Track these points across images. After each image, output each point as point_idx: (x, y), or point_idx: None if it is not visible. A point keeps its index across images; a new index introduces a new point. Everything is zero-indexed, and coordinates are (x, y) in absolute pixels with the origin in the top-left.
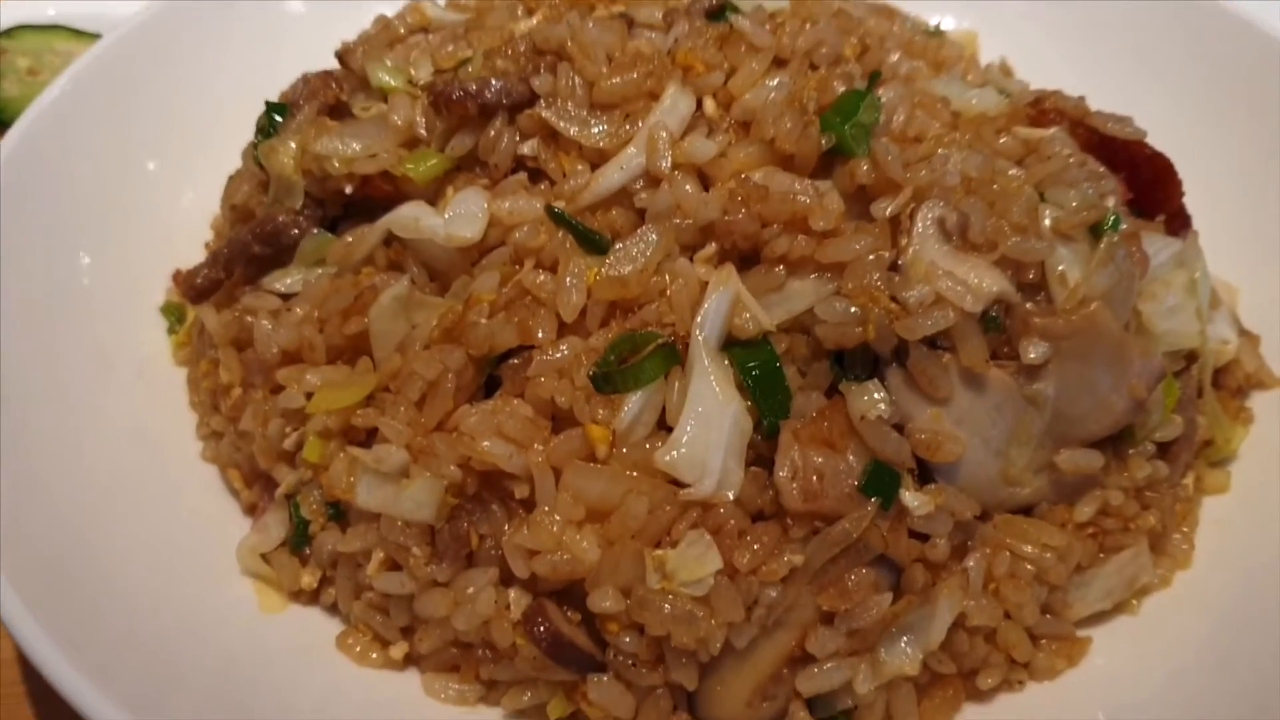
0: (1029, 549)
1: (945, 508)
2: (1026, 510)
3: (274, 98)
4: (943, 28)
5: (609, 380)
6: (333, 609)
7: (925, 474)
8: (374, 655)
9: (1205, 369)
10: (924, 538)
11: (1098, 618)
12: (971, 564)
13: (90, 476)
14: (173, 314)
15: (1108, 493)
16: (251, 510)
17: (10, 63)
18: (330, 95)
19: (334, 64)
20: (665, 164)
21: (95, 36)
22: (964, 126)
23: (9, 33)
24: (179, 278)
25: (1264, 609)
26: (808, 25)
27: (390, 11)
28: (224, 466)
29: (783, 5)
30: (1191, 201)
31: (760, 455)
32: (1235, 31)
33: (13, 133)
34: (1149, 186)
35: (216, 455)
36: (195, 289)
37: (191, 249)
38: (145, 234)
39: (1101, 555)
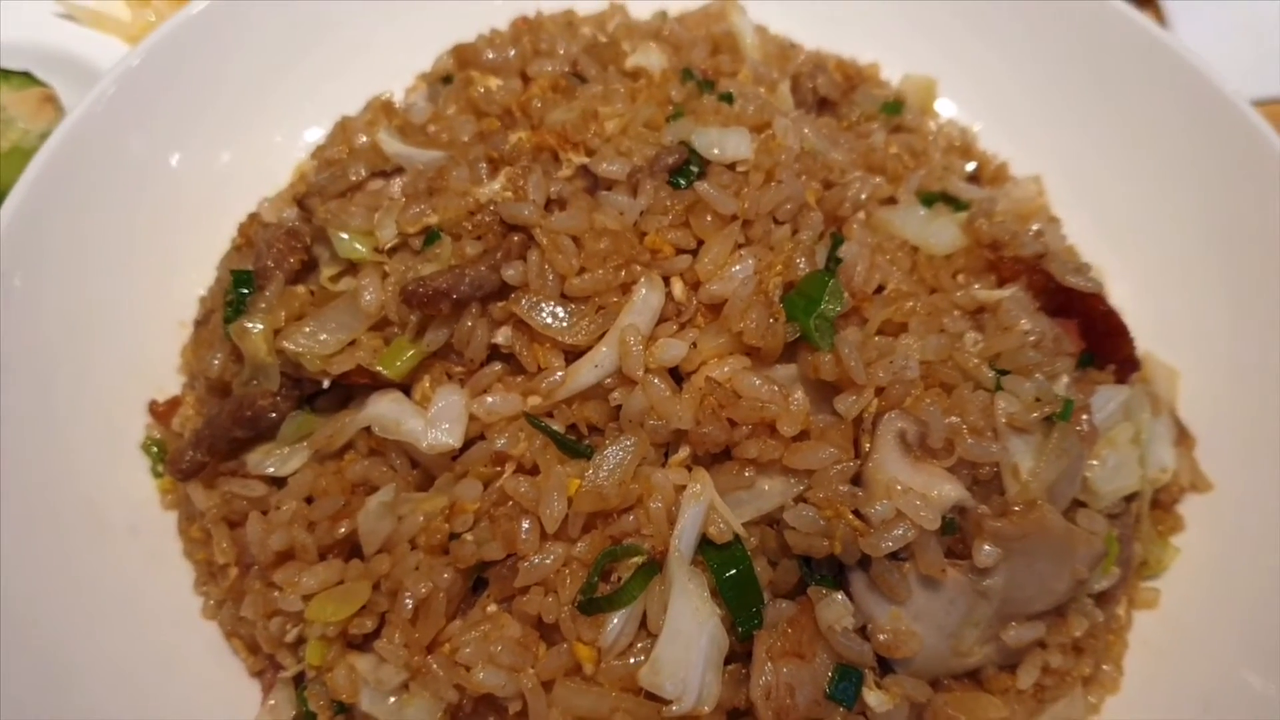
0: None
1: (905, 698)
2: (974, 672)
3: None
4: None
5: (594, 604)
6: None
7: (884, 661)
8: None
9: (1144, 502)
10: None
11: None
12: None
13: (94, 654)
14: (154, 453)
15: (1048, 654)
16: (259, 675)
17: None
18: (296, 260)
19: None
20: (638, 370)
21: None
22: (921, 267)
23: None
24: (156, 410)
25: None
26: (771, 183)
27: None
28: (227, 634)
29: (745, 155)
30: (1139, 260)
31: (734, 652)
32: (1170, 65)
33: None
34: (1101, 339)
35: (218, 618)
36: (181, 471)
37: (164, 373)
38: (117, 362)
39: (1039, 704)
